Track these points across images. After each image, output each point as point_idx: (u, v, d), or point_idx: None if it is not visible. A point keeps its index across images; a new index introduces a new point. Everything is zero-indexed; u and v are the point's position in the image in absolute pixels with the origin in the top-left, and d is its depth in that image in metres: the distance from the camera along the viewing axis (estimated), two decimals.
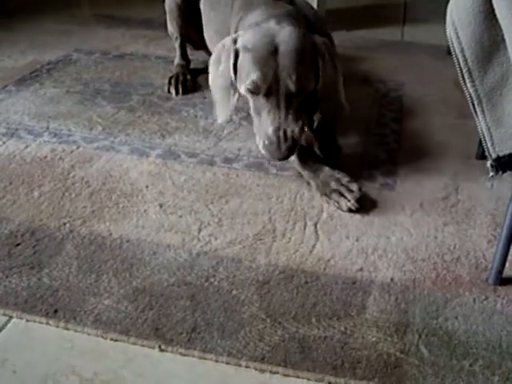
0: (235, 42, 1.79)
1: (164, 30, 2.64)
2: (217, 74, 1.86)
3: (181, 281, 1.40)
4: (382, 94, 2.50)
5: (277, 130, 1.67)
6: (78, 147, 1.98)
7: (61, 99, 2.36)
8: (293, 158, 1.82)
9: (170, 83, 2.47)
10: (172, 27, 2.59)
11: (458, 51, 1.23)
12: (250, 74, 1.71)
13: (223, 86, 1.83)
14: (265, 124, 1.70)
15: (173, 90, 2.43)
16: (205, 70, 2.11)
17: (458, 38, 1.22)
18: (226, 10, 2.13)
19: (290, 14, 1.91)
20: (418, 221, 1.65)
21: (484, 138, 1.27)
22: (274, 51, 1.70)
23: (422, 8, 4.21)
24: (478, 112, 1.26)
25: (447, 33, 1.25)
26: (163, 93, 2.43)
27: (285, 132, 1.66)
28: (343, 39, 3.05)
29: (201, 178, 1.82)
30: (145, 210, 1.66)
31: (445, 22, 1.29)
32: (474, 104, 1.26)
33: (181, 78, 2.49)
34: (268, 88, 1.69)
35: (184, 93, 2.43)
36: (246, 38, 1.77)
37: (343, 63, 2.74)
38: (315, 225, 1.61)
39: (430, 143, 2.09)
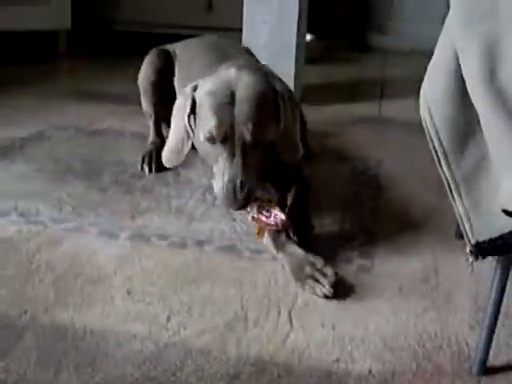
0: (195, 89, 1.81)
1: (140, 106, 2.61)
2: (176, 120, 1.89)
3: (145, 376, 1.31)
4: (359, 171, 2.46)
5: (231, 180, 1.67)
6: (45, 228, 1.91)
7: (31, 177, 2.30)
8: (268, 240, 1.76)
9: (143, 161, 2.42)
10: (146, 105, 2.57)
11: (432, 133, 1.19)
12: (206, 122, 1.72)
13: (180, 132, 1.86)
14: (221, 171, 1.71)
15: (146, 168, 2.38)
16: None
17: (431, 118, 1.18)
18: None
19: (253, 63, 1.94)
20: (397, 307, 1.58)
21: (462, 222, 1.22)
22: (231, 98, 1.71)
23: (401, 84, 4.26)
24: (455, 196, 1.21)
25: (421, 113, 1.21)
26: (136, 171, 2.38)
27: (241, 182, 1.67)
28: (319, 114, 3.05)
29: (171, 261, 1.75)
30: (111, 297, 1.57)
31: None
32: (450, 187, 1.21)
33: (154, 155, 2.44)
34: (224, 136, 1.70)
35: (157, 170, 2.38)
36: (205, 85, 1.79)
37: (318, 140, 2.75)
38: (289, 312, 1.54)
39: (408, 222, 2.04)
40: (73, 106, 3.31)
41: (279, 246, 1.73)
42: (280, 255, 1.72)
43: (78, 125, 2.95)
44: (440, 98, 1.17)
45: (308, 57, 3.86)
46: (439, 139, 1.18)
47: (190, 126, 1.83)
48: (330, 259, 1.73)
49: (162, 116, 2.53)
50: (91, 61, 4.59)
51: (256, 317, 1.51)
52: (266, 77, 1.85)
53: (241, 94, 1.71)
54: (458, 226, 1.97)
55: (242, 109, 1.70)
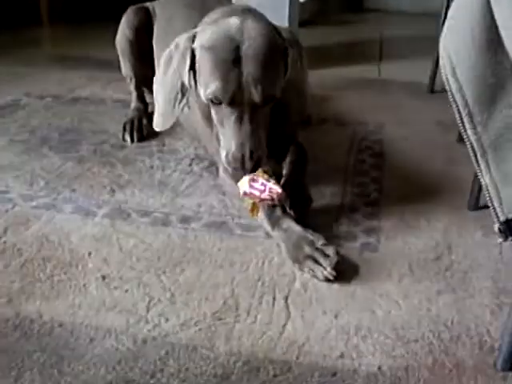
0: (193, 40, 1.57)
1: None
2: (165, 76, 1.64)
3: (121, 378, 1.13)
4: (360, 137, 2.27)
5: (240, 145, 1.50)
6: (13, 206, 1.72)
7: (2, 149, 2.10)
8: (262, 216, 1.57)
9: (124, 129, 2.23)
10: (125, 67, 2.36)
11: (455, 90, 0.99)
12: (209, 83, 1.50)
13: (171, 90, 1.61)
14: (228, 136, 1.53)
15: (128, 138, 2.19)
16: None
17: (454, 74, 0.99)
18: None
19: (255, 9, 1.75)
20: (408, 289, 1.40)
21: (490, 196, 1.03)
22: (236, 54, 1.48)
23: (399, 45, 4.07)
24: (482, 165, 1.02)
25: (441, 69, 1.01)
26: (117, 141, 2.18)
27: (250, 151, 1.50)
28: (316, 77, 2.84)
29: (153, 241, 1.56)
30: (84, 285, 1.39)
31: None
32: (476, 155, 1.02)
33: (136, 123, 2.25)
34: (231, 98, 1.49)
35: (140, 140, 2.19)
36: (205, 36, 1.55)
37: (315, 104, 2.55)
38: (286, 298, 1.35)
39: (416, 193, 1.85)
40: (53, 73, 3.09)
41: (274, 222, 1.55)
42: (275, 232, 1.54)
43: (56, 93, 2.74)
44: (464, 47, 0.98)
45: (302, 18, 3.64)
46: (463, 97, 0.99)
47: (189, 82, 1.60)
48: (330, 236, 1.55)
49: (144, 79, 2.33)
50: (74, 26, 4.35)
51: (248, 305, 1.33)
52: (271, 24, 1.63)
53: (247, 49, 1.48)
54: (471, 196, 1.81)
55: (250, 67, 1.48)
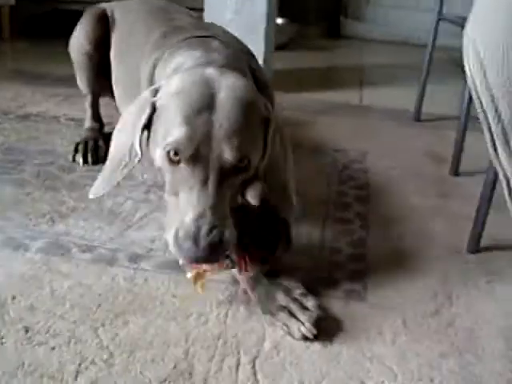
0: (155, 93, 1.22)
1: None
2: (119, 133, 1.30)
3: None
4: (341, 167, 2.02)
5: (199, 217, 1.07)
6: None
7: None
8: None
9: (76, 150, 1.95)
10: (81, 82, 2.09)
11: (485, 101, 0.74)
12: (171, 130, 1.11)
13: (119, 151, 1.26)
14: (182, 208, 1.10)
15: (80, 159, 1.91)
16: None
17: (485, 78, 0.74)
18: (135, 57, 1.63)
19: (235, 59, 1.39)
20: (404, 352, 1.13)
21: None
22: (209, 100, 1.13)
23: (380, 72, 3.88)
24: None
25: (466, 71, 0.76)
26: (66, 162, 1.91)
27: (211, 224, 1.07)
28: (293, 101, 2.61)
29: (93, 284, 1.28)
30: (1, 338, 1.10)
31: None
32: (509, 185, 0.77)
33: (91, 144, 1.98)
34: (195, 152, 1.10)
35: (94, 163, 1.92)
36: (171, 85, 1.20)
37: (293, 130, 2.30)
38: (253, 362, 1.08)
39: (407, 231, 1.60)
40: (6, 88, 2.81)
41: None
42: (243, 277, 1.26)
43: (5, 108, 2.46)
44: (496, 45, 0.73)
45: (279, 42, 3.43)
46: (496, 110, 0.73)
47: (140, 143, 1.21)
48: (309, 282, 1.28)
49: (102, 95, 2.06)
50: (35, 41, 4.08)
51: (205, 370, 1.05)
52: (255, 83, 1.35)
53: (223, 98, 1.13)
54: (471, 236, 1.57)
55: (223, 119, 1.11)
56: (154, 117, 1.19)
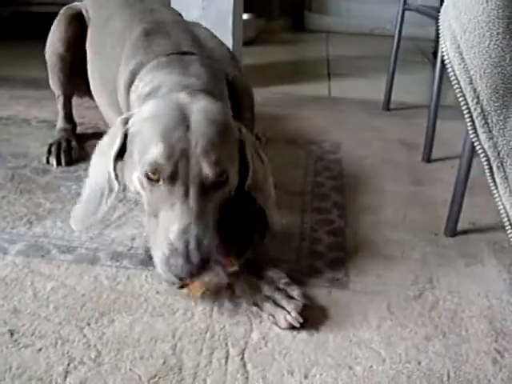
0: (126, 122, 1.21)
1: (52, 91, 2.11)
2: (95, 165, 1.29)
3: None
4: (315, 158, 2.03)
5: (184, 232, 1.07)
6: None
7: None
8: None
9: (49, 152, 1.93)
10: (53, 83, 2.07)
11: (463, 83, 0.75)
12: (147, 151, 1.11)
13: (98, 183, 1.25)
14: (165, 225, 1.09)
15: (53, 161, 1.89)
16: (96, 135, 1.59)
17: (463, 61, 0.75)
18: (115, 50, 1.62)
19: (213, 82, 1.37)
20: (390, 336, 1.15)
21: (509, 218, 0.79)
22: (184, 121, 1.13)
23: (346, 63, 3.89)
24: (498, 179, 0.79)
25: (444, 55, 0.77)
26: (40, 165, 1.89)
27: (197, 238, 1.07)
28: (264, 95, 2.61)
29: (76, 284, 1.27)
30: None
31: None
32: (491, 166, 0.78)
33: (64, 144, 1.96)
34: (174, 169, 1.10)
35: (68, 163, 1.90)
36: (143, 111, 1.19)
37: (266, 123, 2.31)
38: (242, 354, 1.08)
39: (385, 218, 1.62)
40: None
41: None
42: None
43: None
44: (475, 27, 0.74)
45: (246, 37, 3.42)
46: (474, 92, 0.75)
47: (116, 172, 1.22)
48: (290, 273, 1.29)
49: (79, 96, 2.05)
50: (5, 44, 4.02)
51: (194, 364, 1.05)
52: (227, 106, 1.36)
53: (197, 120, 1.14)
54: (448, 220, 1.59)
55: (199, 137, 1.11)
56: (128, 144, 1.20)
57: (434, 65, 3.74)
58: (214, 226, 1.13)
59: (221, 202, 1.16)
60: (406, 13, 2.55)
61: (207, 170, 1.10)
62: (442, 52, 0.78)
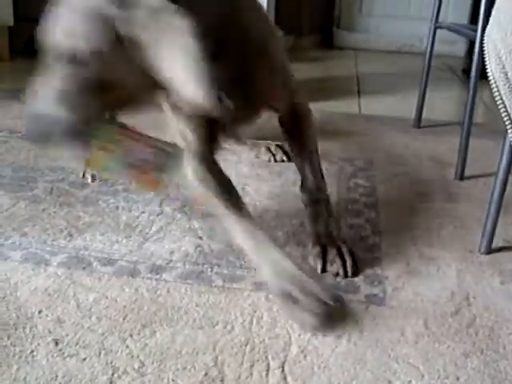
0: None
1: None
2: None
3: None
4: (348, 175, 2.05)
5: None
6: None
7: None
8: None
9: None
10: None
11: (508, 102, 0.77)
12: None
13: None
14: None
15: (89, 175, 1.93)
16: None
17: (508, 81, 0.76)
18: None
19: None
20: (428, 351, 1.16)
21: None
22: None
23: (376, 81, 3.91)
24: None
25: (489, 75, 0.79)
26: (78, 178, 1.92)
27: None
28: None
29: (117, 296, 1.30)
30: (32, 351, 1.12)
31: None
32: None
33: None
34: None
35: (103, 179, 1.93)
36: None
37: None
38: (282, 367, 1.10)
39: (419, 234, 1.63)
40: (9, 107, 2.82)
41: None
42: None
43: (12, 126, 2.47)
44: None
45: None
46: None
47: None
48: (327, 288, 1.30)
49: None
50: (35, 61, 4.10)
51: (236, 375, 1.07)
52: None
53: None
54: (483, 237, 1.60)
55: None
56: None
57: (463, 82, 3.76)
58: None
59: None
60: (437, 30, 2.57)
61: None
62: (487, 72, 0.80)
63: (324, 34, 5.29)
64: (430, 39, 2.60)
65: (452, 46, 4.38)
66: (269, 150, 2.14)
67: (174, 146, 1.27)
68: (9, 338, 1.15)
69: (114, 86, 1.18)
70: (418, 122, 2.70)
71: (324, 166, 2.04)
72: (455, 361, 1.13)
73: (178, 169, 1.32)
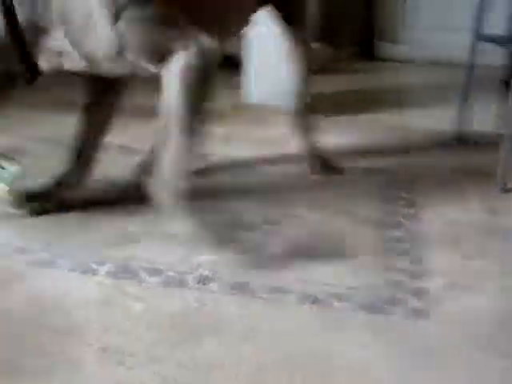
0: None
1: None
2: None
3: None
4: (389, 187, 2.04)
5: None
6: (1, 260, 1.49)
7: None
8: None
9: None
10: None
11: None
12: None
13: None
14: None
15: None
16: None
17: None
18: None
19: None
20: (478, 370, 1.15)
21: None
22: None
23: (418, 93, 3.89)
24: None
25: None
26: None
27: None
28: (334, 124, 2.65)
29: (165, 306, 1.32)
30: (79, 359, 1.15)
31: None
32: None
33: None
34: None
35: None
36: None
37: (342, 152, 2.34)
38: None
39: (462, 247, 1.63)
40: (56, 117, 2.87)
41: None
42: None
43: (60, 138, 2.51)
44: None
45: (314, 66, 3.46)
46: None
47: None
48: (374, 298, 1.31)
49: None
50: None
51: None
52: None
53: None
54: None
55: None
56: None
57: (503, 93, 3.72)
58: None
59: None
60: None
61: None
62: None
63: (364, 45, 5.28)
64: (472, 50, 2.59)
65: (490, 56, 4.34)
66: None
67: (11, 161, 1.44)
68: (58, 344, 1.18)
69: None
70: (460, 133, 2.68)
71: (366, 177, 2.06)
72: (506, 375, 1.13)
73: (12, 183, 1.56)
